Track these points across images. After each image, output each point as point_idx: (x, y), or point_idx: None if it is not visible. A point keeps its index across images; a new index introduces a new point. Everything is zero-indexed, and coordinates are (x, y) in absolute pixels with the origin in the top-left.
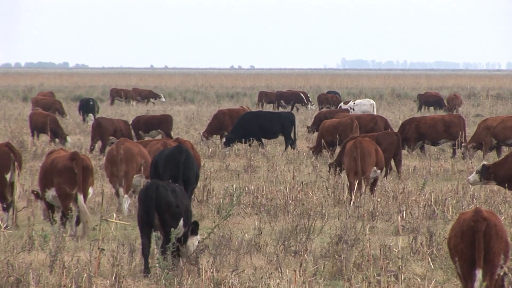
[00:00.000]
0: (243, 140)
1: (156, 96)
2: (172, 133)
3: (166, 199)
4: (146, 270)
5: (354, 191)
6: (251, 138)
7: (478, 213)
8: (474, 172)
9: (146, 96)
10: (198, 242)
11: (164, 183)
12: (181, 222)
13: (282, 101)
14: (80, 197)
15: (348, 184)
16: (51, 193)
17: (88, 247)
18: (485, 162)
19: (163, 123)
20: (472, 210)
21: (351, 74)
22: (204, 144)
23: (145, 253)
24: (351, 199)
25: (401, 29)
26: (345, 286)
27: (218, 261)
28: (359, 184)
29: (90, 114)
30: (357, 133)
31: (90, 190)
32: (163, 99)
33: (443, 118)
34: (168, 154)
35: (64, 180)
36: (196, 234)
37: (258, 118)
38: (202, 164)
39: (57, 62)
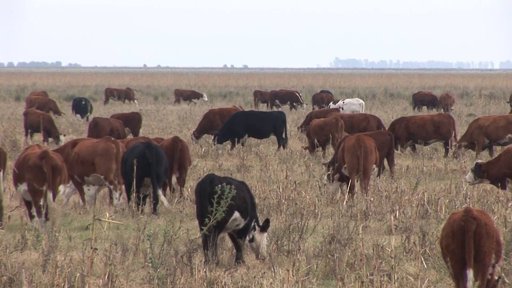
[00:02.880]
0: (235, 139)
1: (198, 95)
2: (140, 131)
3: (221, 192)
4: (207, 258)
5: (352, 189)
6: (241, 138)
7: (468, 212)
8: (470, 171)
9: (189, 96)
10: (267, 239)
11: (219, 177)
12: (237, 214)
13: (276, 101)
14: (49, 195)
15: (346, 182)
16: (22, 188)
17: (81, 247)
18: (478, 161)
19: (131, 121)
20: (463, 210)
21: (344, 73)
22: (196, 143)
23: (205, 245)
24: (351, 197)
25: (394, 28)
26: (338, 285)
27: (211, 260)
28: (353, 183)
29: (78, 115)
30: (342, 133)
31: (61, 187)
32: (205, 98)
33: (432, 118)
34: (139, 151)
35: (34, 176)
36: (265, 231)
37: (249, 117)
38: (195, 163)
39: (49, 62)
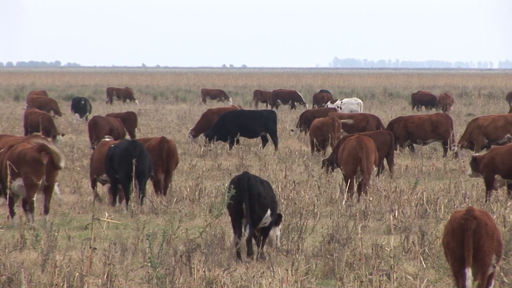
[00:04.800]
0: (226, 138)
1: (226, 96)
2: (136, 130)
3: (257, 190)
4: (250, 251)
5: (350, 189)
6: (233, 137)
7: (469, 212)
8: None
9: (217, 95)
10: (280, 231)
11: (253, 175)
12: (269, 212)
13: (278, 100)
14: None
15: (346, 182)
16: (17, 183)
17: (80, 246)
18: (475, 154)
19: (127, 120)
20: (465, 209)
21: (343, 73)
22: (195, 142)
23: (238, 240)
24: (350, 196)
25: (393, 28)
26: (337, 285)
27: (210, 260)
28: (353, 183)
29: (77, 114)
30: (340, 133)
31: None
32: (231, 102)
33: (430, 118)
34: (123, 149)
35: (31, 170)
36: (278, 225)
37: (239, 117)
38: (194, 163)
39: (48, 61)
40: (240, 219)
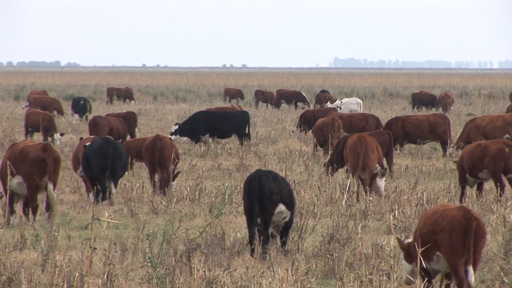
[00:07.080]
0: (197, 137)
1: (242, 96)
2: (136, 130)
3: (269, 188)
4: (253, 253)
5: (358, 188)
6: (202, 136)
7: (467, 212)
8: None
9: (235, 94)
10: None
11: (266, 172)
12: (282, 206)
13: (282, 101)
14: (50, 186)
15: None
16: (16, 181)
17: (80, 246)
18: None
19: (127, 120)
20: (459, 207)
21: (343, 73)
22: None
23: (252, 241)
24: (350, 196)
25: (393, 28)
26: (337, 285)
27: (210, 260)
28: (356, 181)
29: (76, 115)
30: (340, 133)
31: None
32: (241, 102)
33: (428, 118)
34: (97, 146)
35: (35, 169)
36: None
37: (210, 118)
38: (194, 163)
39: (48, 61)
40: (253, 217)
